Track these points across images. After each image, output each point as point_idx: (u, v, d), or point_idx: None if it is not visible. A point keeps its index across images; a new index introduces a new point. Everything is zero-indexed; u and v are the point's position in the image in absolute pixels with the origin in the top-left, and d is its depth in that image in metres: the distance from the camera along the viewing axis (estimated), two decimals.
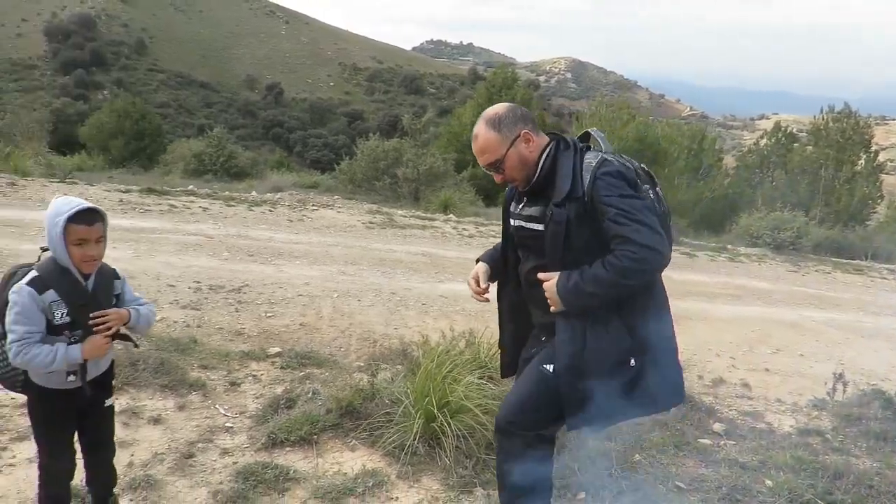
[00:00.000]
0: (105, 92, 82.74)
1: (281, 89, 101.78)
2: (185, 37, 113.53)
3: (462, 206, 16.73)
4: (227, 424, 3.86)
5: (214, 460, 3.45)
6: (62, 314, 2.35)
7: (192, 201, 12.18)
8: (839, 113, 29.32)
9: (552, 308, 2.37)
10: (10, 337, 2.28)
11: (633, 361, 2.32)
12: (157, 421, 3.80)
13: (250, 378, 4.57)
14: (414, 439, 3.51)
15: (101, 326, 2.40)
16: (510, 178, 2.49)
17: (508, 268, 2.69)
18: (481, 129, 2.45)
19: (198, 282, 6.88)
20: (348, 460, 3.52)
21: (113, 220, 2.47)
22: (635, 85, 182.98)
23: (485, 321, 4.47)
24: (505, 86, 31.34)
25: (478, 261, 2.79)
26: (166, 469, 3.32)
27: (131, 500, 3.03)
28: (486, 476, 3.36)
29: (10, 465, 3.24)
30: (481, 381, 3.85)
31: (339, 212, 13.13)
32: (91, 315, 2.39)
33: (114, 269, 2.58)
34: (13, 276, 2.40)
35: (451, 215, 14.68)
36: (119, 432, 2.82)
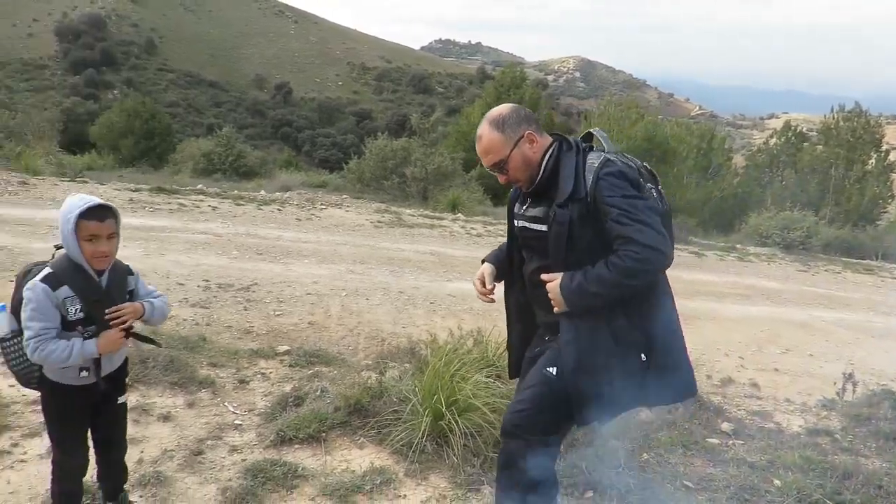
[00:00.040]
0: (115, 91, 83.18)
1: (290, 89, 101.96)
2: (194, 36, 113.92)
3: (470, 205, 16.74)
4: (236, 422, 3.88)
5: (223, 457, 3.47)
6: (76, 310, 2.37)
7: (202, 200, 12.23)
8: (850, 112, 29.17)
9: (556, 309, 2.38)
10: (26, 333, 2.31)
11: (642, 356, 2.33)
12: (166, 418, 3.82)
13: (259, 376, 4.59)
14: (422, 437, 3.52)
15: (116, 321, 2.43)
16: (514, 179, 2.49)
17: (514, 268, 2.69)
18: (485, 130, 2.45)
19: (207, 280, 6.92)
20: (356, 458, 3.53)
21: (123, 219, 2.49)
22: (644, 84, 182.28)
23: (493, 320, 4.47)
24: (513, 85, 31.35)
25: (483, 261, 2.79)
26: (176, 466, 3.34)
27: (141, 497, 3.05)
28: (494, 474, 3.36)
29: (22, 461, 3.27)
30: (489, 379, 3.86)
31: (347, 211, 13.15)
32: (106, 311, 2.42)
33: (127, 266, 2.60)
34: (28, 273, 2.43)
35: (459, 214, 14.69)
36: (129, 429, 2.84)
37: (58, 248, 2.44)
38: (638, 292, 2.29)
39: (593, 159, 2.34)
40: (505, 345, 2.97)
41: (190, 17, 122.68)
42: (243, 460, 3.43)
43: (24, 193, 11.06)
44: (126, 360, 2.71)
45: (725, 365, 6.18)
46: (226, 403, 4.10)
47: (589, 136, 2.55)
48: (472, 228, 12.83)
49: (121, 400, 2.67)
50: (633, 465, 3.62)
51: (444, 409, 3.54)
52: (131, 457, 3.02)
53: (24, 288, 2.34)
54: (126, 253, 2.57)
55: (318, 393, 4.16)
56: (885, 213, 27.65)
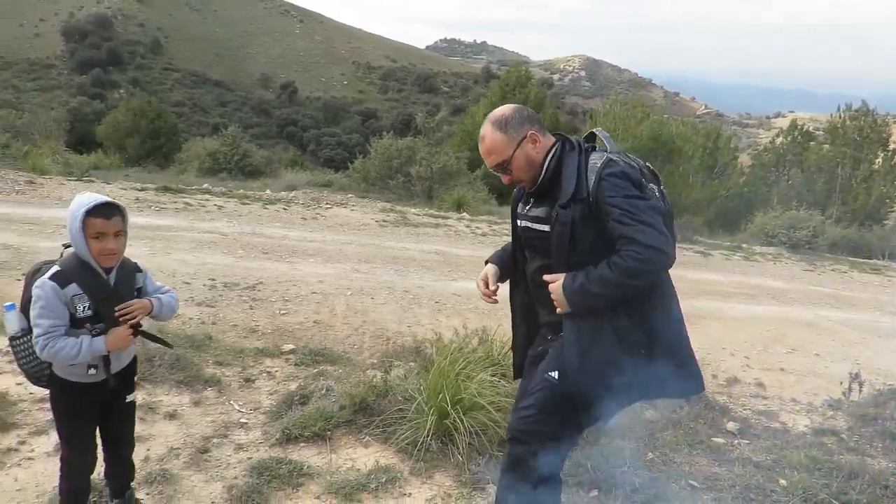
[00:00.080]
0: (121, 91, 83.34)
1: (295, 88, 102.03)
2: (200, 36, 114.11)
3: (475, 204, 16.74)
4: (242, 420, 3.89)
5: (229, 455, 3.48)
6: (84, 307, 2.39)
7: (207, 199, 12.27)
8: (856, 111, 29.04)
9: (558, 309, 2.38)
10: (36, 331, 2.32)
11: (644, 354, 2.33)
12: (172, 416, 3.84)
13: (265, 374, 4.60)
14: (427, 436, 3.52)
15: (125, 317, 2.44)
16: (517, 179, 2.49)
17: (519, 268, 2.68)
18: (488, 131, 2.46)
19: (213, 279, 6.94)
20: (362, 456, 3.54)
21: (129, 218, 2.50)
22: (650, 83, 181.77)
23: (498, 319, 4.48)
24: (519, 84, 31.30)
25: (487, 262, 2.79)
26: (182, 464, 3.36)
27: (147, 494, 3.07)
28: (499, 473, 3.36)
29: (29, 458, 3.29)
30: (494, 378, 3.87)
31: (352, 210, 13.17)
32: (116, 308, 2.43)
33: (135, 263, 2.61)
34: (37, 272, 2.45)
35: (464, 214, 14.70)
36: (136, 427, 2.85)
37: (66, 246, 2.45)
38: (640, 292, 2.29)
39: (595, 159, 2.34)
40: (510, 344, 2.97)
41: (195, 16, 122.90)
42: (249, 458, 3.45)
43: (31, 193, 11.12)
44: (135, 358, 2.72)
45: (731, 364, 6.17)
46: (231, 402, 4.12)
47: (592, 137, 2.55)
48: (477, 228, 12.84)
49: (129, 398, 2.69)
50: (639, 464, 3.62)
51: (449, 407, 3.55)
52: (137, 454, 3.03)
53: (34, 286, 2.36)
54: (132, 252, 2.58)
55: (323, 391, 4.17)
56: (891, 212, 27.53)
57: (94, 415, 2.59)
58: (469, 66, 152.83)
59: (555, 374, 2.43)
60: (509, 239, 2.78)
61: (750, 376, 5.87)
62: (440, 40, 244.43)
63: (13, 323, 2.46)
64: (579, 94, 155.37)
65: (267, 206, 12.27)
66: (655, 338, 2.33)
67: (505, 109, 2.48)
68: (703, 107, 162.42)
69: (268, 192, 14.94)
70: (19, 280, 5.91)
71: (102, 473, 2.81)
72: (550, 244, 2.38)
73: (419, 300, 7.08)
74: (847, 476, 3.61)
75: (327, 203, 13.59)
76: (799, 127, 32.04)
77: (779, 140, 32.40)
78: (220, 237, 9.16)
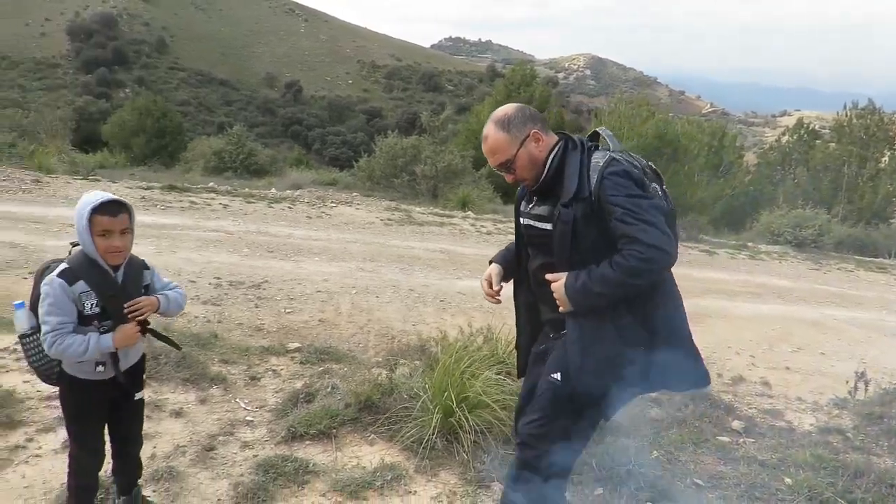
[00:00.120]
0: (127, 90, 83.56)
1: (300, 87, 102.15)
2: (205, 35, 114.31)
3: (480, 203, 16.73)
4: (248, 418, 3.91)
5: (235, 453, 3.50)
6: (92, 305, 2.40)
7: (213, 198, 12.30)
8: (863, 109, 28.89)
9: (561, 308, 2.38)
10: (44, 328, 2.34)
11: (647, 352, 2.33)
12: (178, 414, 3.86)
13: (270, 373, 4.62)
14: (432, 434, 3.53)
15: (133, 314, 2.45)
16: (521, 178, 2.49)
17: (523, 267, 2.68)
18: (491, 130, 2.46)
19: (218, 278, 6.96)
20: (367, 454, 3.55)
21: (136, 216, 2.52)
22: (655, 81, 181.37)
23: (502, 318, 4.48)
24: (524, 83, 31.23)
25: (491, 262, 2.79)
26: (188, 461, 3.37)
27: (154, 491, 3.08)
28: (504, 471, 3.37)
29: (37, 455, 3.30)
30: (499, 376, 3.87)
31: (357, 209, 13.19)
32: (124, 305, 2.44)
33: (143, 261, 2.63)
34: (46, 270, 2.47)
35: (469, 212, 14.70)
36: (143, 425, 2.87)
37: (74, 244, 2.47)
38: (643, 291, 2.29)
39: (598, 158, 2.34)
40: (514, 342, 2.97)
41: (201, 15, 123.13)
42: (255, 456, 3.46)
43: (38, 191, 11.17)
44: (143, 356, 2.74)
45: (736, 363, 6.16)
46: (237, 400, 4.13)
47: (595, 136, 2.54)
48: (482, 226, 12.84)
49: (138, 396, 2.70)
50: (644, 463, 3.62)
51: (454, 405, 3.55)
52: (144, 452, 3.04)
53: (42, 283, 2.38)
54: (138, 250, 2.59)
55: (328, 390, 4.18)
56: None
57: (103, 412, 2.60)
58: (474, 64, 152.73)
59: (557, 376, 2.44)
60: (514, 238, 2.78)
61: (755, 375, 5.86)
62: (445, 39, 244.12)
63: (22, 321, 2.48)
64: (584, 93, 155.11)
65: (272, 205, 12.30)
66: (658, 336, 2.33)
67: (507, 109, 2.48)
68: (709, 105, 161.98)
69: (273, 190, 14.97)
70: (26, 279, 5.95)
71: (110, 470, 2.83)
72: (552, 242, 2.39)
73: (424, 299, 7.09)
74: (852, 475, 3.60)
75: (332, 202, 13.61)
76: (805, 125, 31.90)
77: (785, 138, 32.28)
78: (225, 236, 9.19)
